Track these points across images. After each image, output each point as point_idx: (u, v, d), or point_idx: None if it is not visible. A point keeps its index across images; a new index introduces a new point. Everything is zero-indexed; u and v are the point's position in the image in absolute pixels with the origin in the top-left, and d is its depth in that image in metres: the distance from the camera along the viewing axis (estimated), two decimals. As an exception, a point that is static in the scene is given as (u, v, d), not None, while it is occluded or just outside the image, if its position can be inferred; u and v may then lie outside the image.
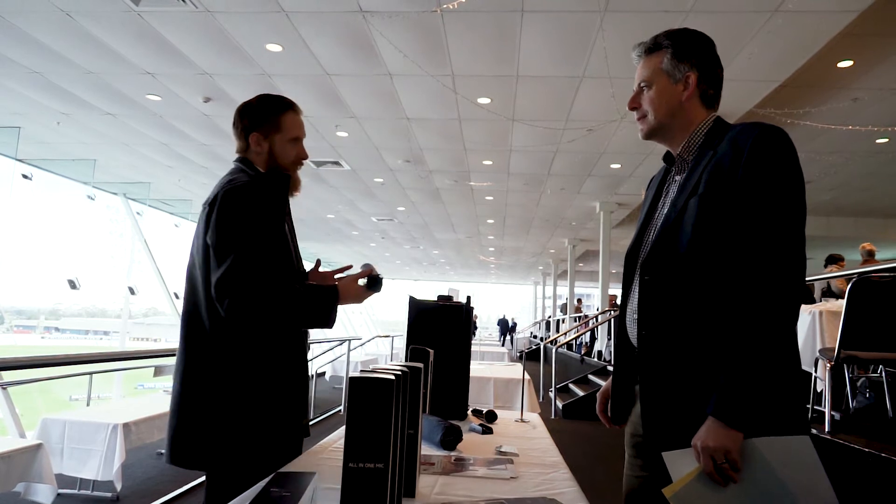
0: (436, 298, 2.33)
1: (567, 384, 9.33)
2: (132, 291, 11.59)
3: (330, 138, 7.79)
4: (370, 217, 13.84)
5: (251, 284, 1.44)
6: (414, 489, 1.24)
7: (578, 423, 7.23)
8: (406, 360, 1.75)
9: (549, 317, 21.26)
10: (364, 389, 1.00)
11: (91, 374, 5.32)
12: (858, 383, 3.93)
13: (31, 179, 9.48)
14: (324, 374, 10.72)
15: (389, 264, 25.80)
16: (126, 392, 10.33)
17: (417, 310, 2.20)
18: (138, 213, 11.94)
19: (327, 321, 1.58)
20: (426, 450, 1.66)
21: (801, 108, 6.13)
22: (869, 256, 6.24)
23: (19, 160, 9.15)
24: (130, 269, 11.86)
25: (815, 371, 3.80)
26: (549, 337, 14.34)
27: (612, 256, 11.50)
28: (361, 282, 1.71)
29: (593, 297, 34.89)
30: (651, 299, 1.29)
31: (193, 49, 5.32)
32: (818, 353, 3.72)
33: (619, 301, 1.51)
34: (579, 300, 18.30)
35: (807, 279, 1.18)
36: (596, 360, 10.38)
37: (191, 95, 6.44)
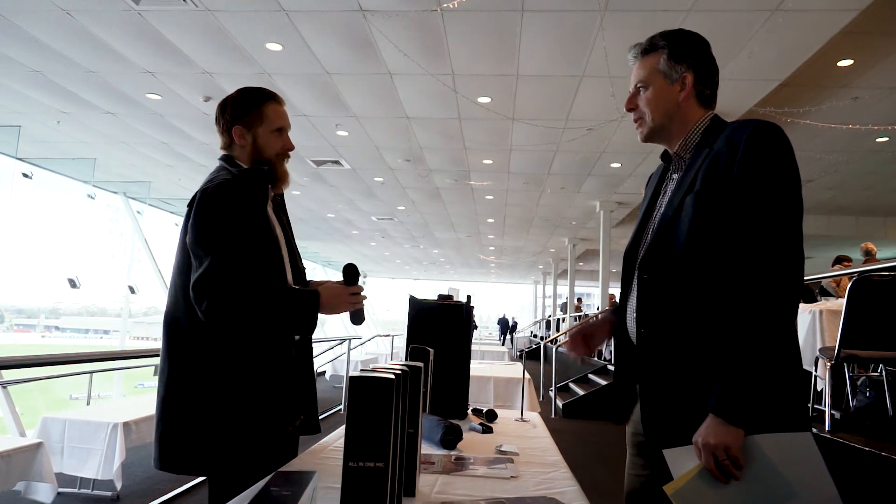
0: (436, 298, 2.33)
1: (567, 383, 9.33)
2: (132, 290, 11.60)
3: (330, 137, 7.79)
4: (370, 216, 13.84)
5: (228, 286, 1.40)
6: (414, 488, 1.24)
7: (579, 422, 7.23)
8: (406, 360, 1.75)
9: (550, 316, 21.26)
10: (364, 388, 1.00)
11: (91, 373, 5.33)
12: (858, 382, 3.93)
13: (31, 178, 9.49)
14: (324, 373, 10.73)
15: (389, 263, 25.82)
16: (126, 391, 10.34)
17: (417, 309, 2.20)
18: (138, 212, 11.95)
19: (308, 326, 1.53)
20: (426, 449, 1.66)
21: (801, 107, 6.13)
22: (868, 256, 6.24)
23: (19, 159, 9.15)
24: (130, 268, 11.88)
25: (816, 370, 3.80)
26: (550, 336, 14.33)
27: (612, 255, 11.49)
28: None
29: (593, 297, 34.91)
30: (650, 297, 1.30)
31: (194, 48, 5.32)
32: (818, 352, 3.72)
33: (618, 300, 1.51)
34: (579, 299, 18.31)
35: (803, 278, 1.18)
36: (596, 359, 10.37)
37: (191, 94, 6.44)
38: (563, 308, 18.48)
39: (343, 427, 1.08)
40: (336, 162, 8.99)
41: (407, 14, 4.56)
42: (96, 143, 8.53)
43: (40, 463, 3.30)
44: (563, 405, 7.64)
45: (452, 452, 1.67)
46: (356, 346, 10.27)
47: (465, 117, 6.84)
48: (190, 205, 1.49)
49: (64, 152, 9.09)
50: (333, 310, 1.57)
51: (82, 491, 4.02)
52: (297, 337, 1.67)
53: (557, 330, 16.89)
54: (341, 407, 7.80)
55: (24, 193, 10.24)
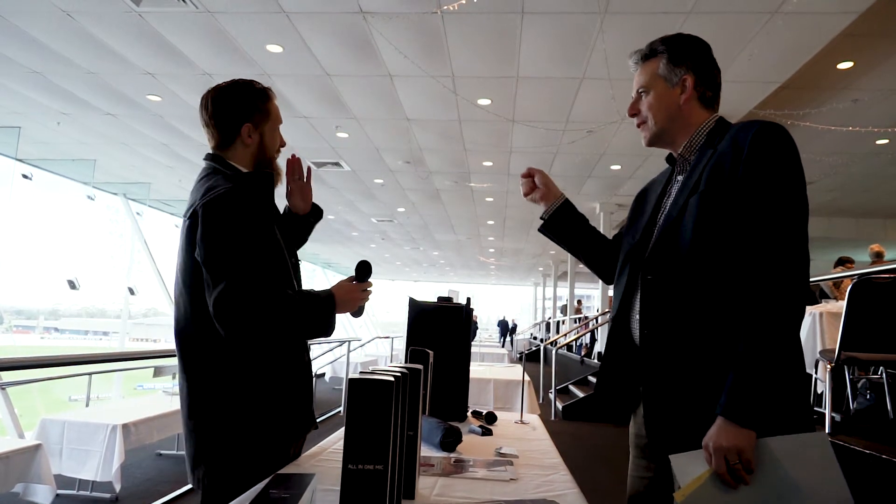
0: (436, 300, 2.32)
1: (567, 385, 9.32)
2: (132, 292, 11.59)
3: (330, 139, 7.79)
4: (370, 218, 13.84)
5: (250, 303, 1.36)
6: (413, 491, 1.24)
7: (578, 424, 7.22)
8: (406, 362, 1.74)
9: (549, 318, 21.25)
10: (364, 391, 0.99)
11: (90, 374, 5.33)
12: (859, 385, 3.92)
13: (31, 179, 9.49)
14: (323, 375, 10.72)
15: (389, 265, 25.82)
16: (125, 392, 10.34)
17: (417, 311, 2.20)
18: (138, 214, 11.94)
19: (327, 328, 1.50)
20: (426, 451, 1.66)
21: (801, 109, 6.13)
22: (877, 258, 6.19)
23: (19, 160, 9.15)
24: (130, 269, 11.87)
25: (816, 372, 3.80)
26: (549, 338, 14.33)
27: (612, 258, 11.46)
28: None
29: (593, 299, 34.89)
30: (654, 298, 1.29)
31: (194, 49, 5.32)
32: (819, 355, 3.72)
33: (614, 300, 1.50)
34: (579, 301, 18.31)
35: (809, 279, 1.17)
36: (596, 361, 10.37)
37: (191, 96, 6.44)
38: (563, 310, 18.48)
39: (342, 429, 1.07)
40: (336, 164, 8.99)
41: (407, 16, 4.57)
42: (96, 144, 8.53)
43: (39, 464, 3.30)
44: (563, 407, 7.63)
45: (452, 455, 1.66)
46: (356, 348, 10.26)
47: (466, 119, 6.85)
48: (191, 217, 1.42)
49: (64, 153, 9.09)
50: (347, 307, 1.55)
51: (81, 492, 4.02)
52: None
53: (557, 332, 16.89)
54: (341, 409, 7.78)
55: (24, 195, 10.28)
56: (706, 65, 1.37)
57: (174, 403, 4.61)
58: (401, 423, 1.11)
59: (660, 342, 1.26)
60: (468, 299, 2.28)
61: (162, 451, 5.13)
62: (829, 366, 3.41)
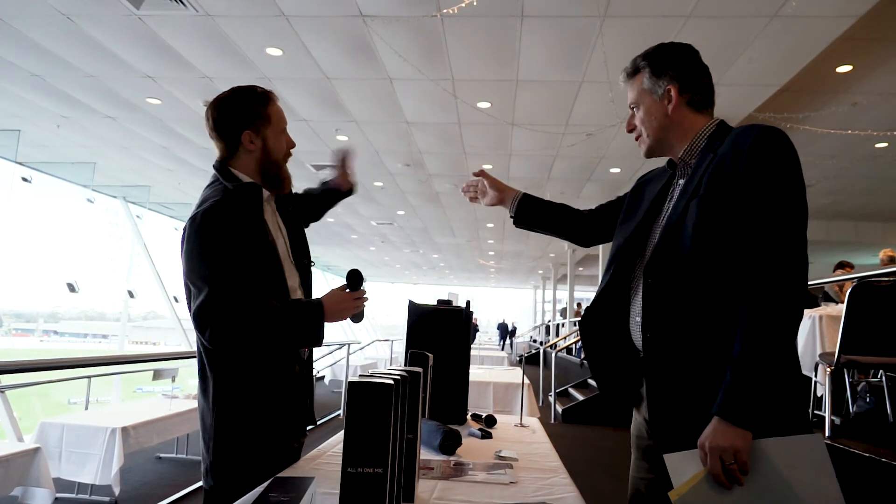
0: (435, 302, 2.32)
1: (567, 388, 9.31)
2: (131, 295, 11.59)
3: (330, 142, 7.80)
4: (370, 221, 13.84)
5: (228, 313, 1.39)
6: (413, 494, 1.24)
7: (578, 427, 7.21)
8: (405, 365, 1.74)
9: (549, 321, 21.23)
10: (363, 394, 0.99)
11: (90, 377, 5.32)
12: (859, 388, 3.92)
13: (30, 182, 9.48)
14: (323, 378, 10.71)
15: (389, 268, 25.81)
16: (125, 396, 10.32)
17: (417, 314, 2.20)
18: (138, 217, 11.94)
19: (314, 338, 1.51)
20: (425, 454, 1.66)
21: (800, 112, 6.14)
22: (890, 262, 6.13)
23: (19, 163, 9.15)
24: (130, 272, 11.87)
25: (816, 375, 3.79)
26: (549, 341, 14.32)
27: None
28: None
29: (593, 302, 34.78)
30: (655, 302, 1.29)
31: (194, 53, 5.33)
32: (818, 358, 3.71)
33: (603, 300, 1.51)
34: (579, 304, 18.27)
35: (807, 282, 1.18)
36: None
37: (191, 99, 6.45)
38: (563, 313, 18.46)
39: (342, 432, 1.07)
40: (335, 166, 8.99)
41: (407, 19, 4.57)
42: (96, 147, 8.53)
43: (38, 468, 3.29)
44: (563, 410, 7.62)
45: (451, 458, 1.66)
46: (355, 351, 10.25)
47: (465, 122, 6.85)
48: (184, 231, 1.46)
49: (63, 156, 9.09)
50: (338, 316, 1.56)
51: (80, 496, 4.01)
52: (308, 351, 1.67)
53: (557, 335, 16.87)
54: (340, 412, 7.77)
55: (24, 198, 10.26)
56: (689, 70, 1.39)
57: (174, 407, 4.60)
58: (400, 427, 1.11)
59: (662, 345, 1.26)
60: (468, 302, 2.29)
61: (161, 455, 5.12)
62: (828, 369, 3.41)
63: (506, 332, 28.88)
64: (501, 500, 1.29)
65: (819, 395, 3.77)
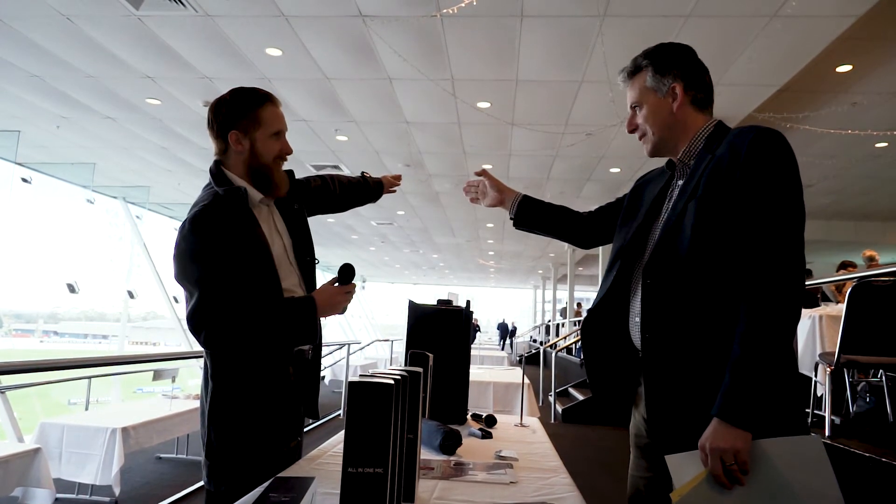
0: (435, 302, 2.33)
1: (567, 388, 9.31)
2: (131, 295, 11.58)
3: (329, 142, 7.80)
4: (370, 221, 13.84)
5: (220, 315, 1.41)
6: (413, 494, 1.24)
7: (578, 427, 7.21)
8: (405, 365, 1.75)
9: (549, 321, 21.23)
10: (363, 394, 1.00)
11: (90, 378, 5.31)
12: (859, 388, 3.93)
13: (30, 183, 9.47)
14: (323, 378, 10.69)
15: (389, 268, 25.81)
16: (125, 396, 10.31)
17: (417, 314, 2.20)
18: (138, 217, 11.93)
19: (308, 334, 1.54)
20: (425, 454, 1.66)
21: (800, 112, 6.14)
22: (871, 262, 6.23)
23: (19, 164, 9.14)
24: (130, 272, 11.86)
25: (815, 375, 3.79)
26: (549, 341, 14.32)
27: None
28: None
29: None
30: (654, 303, 1.30)
31: (193, 53, 5.33)
32: (818, 358, 3.71)
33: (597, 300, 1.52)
34: (579, 304, 18.27)
35: (805, 283, 1.18)
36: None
37: (190, 99, 6.45)
38: (563, 313, 18.46)
39: (342, 432, 1.07)
40: (335, 167, 8.99)
41: (406, 19, 4.57)
42: (96, 147, 8.53)
43: (38, 468, 3.29)
44: (563, 410, 7.62)
45: (452, 458, 1.66)
46: (355, 351, 10.25)
47: (465, 122, 6.85)
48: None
49: (63, 157, 9.09)
50: (331, 311, 1.58)
51: (80, 496, 4.01)
52: (307, 348, 1.67)
53: (557, 335, 16.88)
54: (340, 412, 7.77)
55: (24, 198, 10.24)
56: (692, 69, 1.39)
57: (174, 407, 4.60)
58: (401, 427, 1.11)
59: (662, 345, 1.27)
60: (468, 302, 2.29)
61: (161, 455, 5.12)
62: (828, 369, 3.41)
63: (506, 331, 28.87)
64: (501, 500, 1.29)
65: (819, 394, 3.78)
